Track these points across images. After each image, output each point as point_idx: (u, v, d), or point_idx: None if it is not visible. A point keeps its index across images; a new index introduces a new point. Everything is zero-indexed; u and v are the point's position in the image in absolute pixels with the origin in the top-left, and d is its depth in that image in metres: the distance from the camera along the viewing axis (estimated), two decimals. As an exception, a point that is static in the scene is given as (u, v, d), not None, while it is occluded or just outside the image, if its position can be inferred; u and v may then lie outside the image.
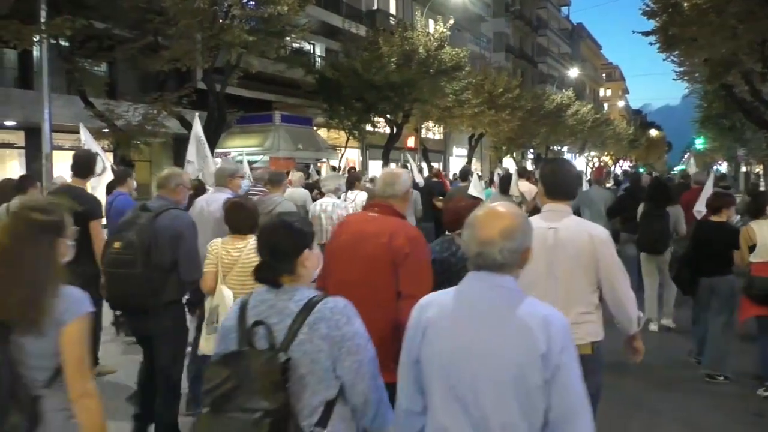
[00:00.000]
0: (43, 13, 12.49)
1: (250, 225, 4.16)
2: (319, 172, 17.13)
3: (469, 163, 32.88)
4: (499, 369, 1.90)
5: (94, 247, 5.23)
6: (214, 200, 5.32)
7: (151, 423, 4.30)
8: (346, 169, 20.63)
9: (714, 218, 6.40)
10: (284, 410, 1.97)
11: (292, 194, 7.94)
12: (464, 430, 1.94)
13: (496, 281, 1.98)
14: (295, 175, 9.79)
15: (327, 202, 6.91)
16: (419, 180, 12.50)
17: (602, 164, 52.03)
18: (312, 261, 2.25)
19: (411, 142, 32.34)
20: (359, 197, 7.80)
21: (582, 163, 61.00)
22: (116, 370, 6.10)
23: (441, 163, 36.81)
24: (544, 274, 3.08)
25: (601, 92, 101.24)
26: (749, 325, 6.30)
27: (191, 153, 9.05)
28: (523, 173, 11.48)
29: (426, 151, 30.90)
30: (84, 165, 5.71)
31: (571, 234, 3.14)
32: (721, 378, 6.05)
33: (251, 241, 4.05)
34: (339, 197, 7.22)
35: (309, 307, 2.10)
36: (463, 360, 1.94)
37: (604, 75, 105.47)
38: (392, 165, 20.44)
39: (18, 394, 2.15)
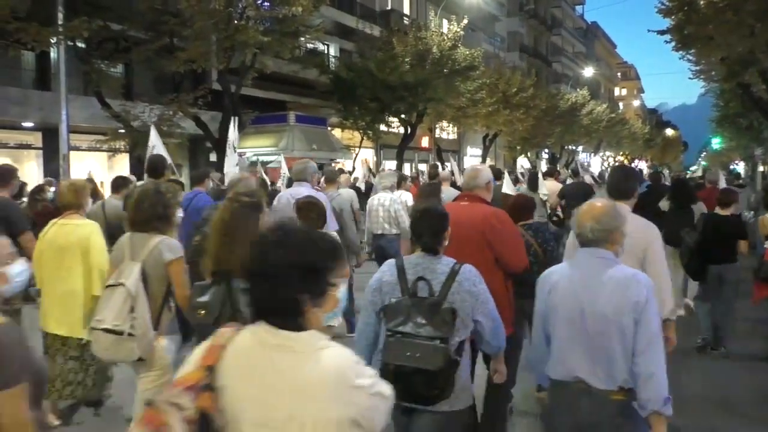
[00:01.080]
0: (60, 15, 12.64)
1: (319, 221, 4.71)
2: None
3: (483, 162, 32.82)
4: (602, 311, 2.75)
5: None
6: (298, 193, 5.96)
7: None
8: (367, 169, 20.67)
9: (722, 212, 7.05)
10: (449, 341, 2.85)
11: (341, 194, 8.50)
12: (578, 353, 2.82)
13: (597, 254, 2.85)
14: (343, 177, 11.07)
15: (384, 197, 8.04)
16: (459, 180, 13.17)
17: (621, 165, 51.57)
18: (448, 238, 3.15)
19: (425, 142, 32.32)
20: (404, 195, 8.94)
21: (597, 162, 60.62)
22: None
23: (455, 162, 36.76)
24: None
25: (617, 91, 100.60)
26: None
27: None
28: (550, 173, 13.51)
29: (440, 150, 30.85)
30: (156, 167, 6.88)
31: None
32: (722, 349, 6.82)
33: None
34: (392, 193, 8.28)
35: (456, 270, 2.99)
36: (578, 307, 2.81)
37: (619, 74, 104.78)
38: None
39: (236, 318, 2.96)
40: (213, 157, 18.57)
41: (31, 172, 17.93)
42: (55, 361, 4.52)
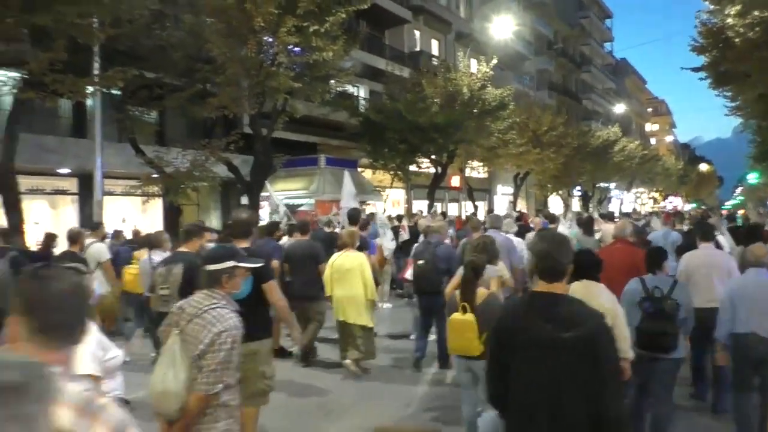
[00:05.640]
0: (96, 65, 12.90)
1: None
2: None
3: (514, 201, 32.52)
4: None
5: None
6: (497, 235, 8.42)
7: None
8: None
9: None
10: (674, 319, 5.21)
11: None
12: (755, 318, 5.30)
13: (764, 270, 5.52)
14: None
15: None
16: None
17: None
18: (666, 267, 5.67)
19: (456, 181, 32.18)
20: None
21: (630, 199, 59.73)
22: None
23: (486, 202, 36.52)
24: (705, 276, 6.51)
25: (648, 127, 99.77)
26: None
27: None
28: (607, 217, 16.19)
29: (471, 190, 30.66)
30: (355, 217, 10.99)
31: (716, 257, 6.85)
32: None
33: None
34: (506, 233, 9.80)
35: (675, 282, 5.45)
36: (756, 295, 5.40)
37: (650, 109, 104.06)
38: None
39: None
40: (244, 200, 18.62)
41: (67, 216, 18.19)
42: (347, 333, 7.97)
